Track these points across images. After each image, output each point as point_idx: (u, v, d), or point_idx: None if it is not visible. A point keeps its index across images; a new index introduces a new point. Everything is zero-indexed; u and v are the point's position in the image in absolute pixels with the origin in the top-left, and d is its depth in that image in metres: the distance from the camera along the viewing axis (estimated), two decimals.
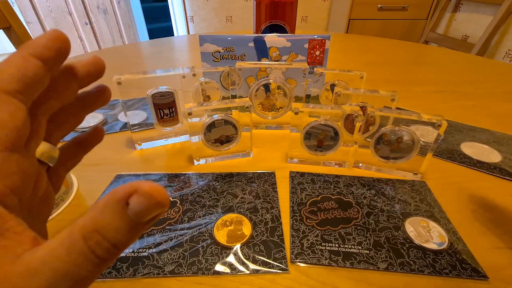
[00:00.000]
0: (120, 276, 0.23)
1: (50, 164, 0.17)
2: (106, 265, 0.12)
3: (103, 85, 0.19)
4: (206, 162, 0.38)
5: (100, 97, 0.18)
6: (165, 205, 0.12)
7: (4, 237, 0.11)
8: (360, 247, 0.26)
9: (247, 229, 0.28)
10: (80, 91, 0.17)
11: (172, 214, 0.30)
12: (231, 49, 0.46)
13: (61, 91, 0.16)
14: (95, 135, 0.20)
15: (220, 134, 0.36)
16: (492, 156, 0.39)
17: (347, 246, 0.26)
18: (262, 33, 0.57)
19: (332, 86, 0.46)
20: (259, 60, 0.47)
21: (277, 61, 0.47)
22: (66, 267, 0.11)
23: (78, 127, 0.45)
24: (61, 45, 0.14)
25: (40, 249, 0.11)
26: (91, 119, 0.47)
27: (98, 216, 0.11)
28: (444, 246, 0.26)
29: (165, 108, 0.39)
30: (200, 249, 0.26)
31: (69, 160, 0.19)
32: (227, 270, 0.24)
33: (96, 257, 0.11)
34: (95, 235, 0.11)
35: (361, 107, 0.33)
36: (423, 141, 0.33)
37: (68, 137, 0.20)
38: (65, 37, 0.14)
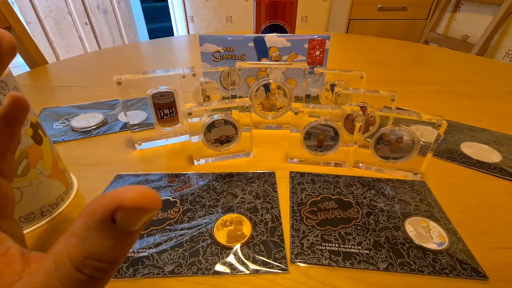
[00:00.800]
0: (120, 276, 0.23)
1: None
2: (108, 278, 0.11)
3: (14, 96, 0.16)
4: (206, 162, 0.38)
5: (18, 112, 0.16)
6: (156, 208, 0.10)
7: None
8: (360, 247, 0.26)
9: (247, 229, 0.28)
10: None
11: (172, 214, 0.30)
12: (231, 49, 0.46)
13: None
14: (15, 105, 0.16)
15: (220, 134, 0.36)
16: (492, 156, 0.39)
17: (347, 246, 0.26)
18: (262, 33, 0.57)
19: (332, 86, 0.46)
20: (259, 60, 0.47)
21: (277, 61, 0.47)
22: None
23: (78, 127, 0.45)
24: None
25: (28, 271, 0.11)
26: (91, 119, 0.47)
27: (82, 243, 0.10)
28: (444, 246, 0.26)
29: (165, 108, 0.39)
30: (200, 249, 0.26)
31: (8, 141, 0.16)
32: (227, 270, 0.24)
33: (96, 280, 0.11)
34: (89, 262, 0.10)
35: (361, 107, 0.33)
36: (423, 141, 0.33)
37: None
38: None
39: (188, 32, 2.14)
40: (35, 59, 0.79)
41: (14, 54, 0.16)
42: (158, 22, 2.93)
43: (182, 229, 0.28)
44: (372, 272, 0.24)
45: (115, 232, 0.10)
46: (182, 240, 0.27)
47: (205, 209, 0.30)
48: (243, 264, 0.24)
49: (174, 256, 0.25)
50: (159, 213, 0.29)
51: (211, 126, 0.35)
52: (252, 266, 0.24)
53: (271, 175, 0.35)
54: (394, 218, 0.29)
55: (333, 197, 0.32)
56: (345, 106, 0.34)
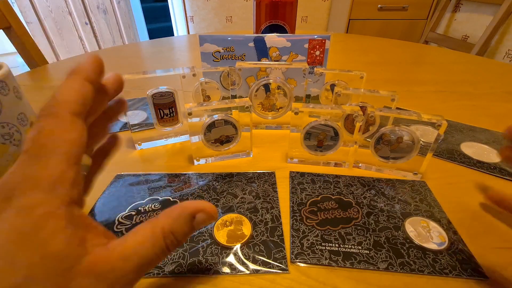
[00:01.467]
0: None
1: (85, 173, 0.20)
2: (169, 253, 0.17)
3: (122, 98, 0.22)
4: (206, 162, 0.38)
5: (120, 108, 0.22)
6: (215, 220, 0.21)
7: (88, 231, 0.15)
8: (360, 247, 0.26)
9: (247, 229, 0.28)
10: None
11: None
12: (231, 49, 0.46)
13: (97, 107, 0.19)
14: (112, 143, 0.23)
15: (220, 134, 0.36)
16: (492, 156, 0.39)
17: (347, 246, 0.26)
18: (262, 33, 0.57)
19: (332, 86, 0.46)
20: (259, 60, 0.47)
21: (277, 61, 0.47)
22: (150, 256, 0.15)
23: None
24: (101, 69, 0.17)
25: (128, 241, 0.15)
26: None
27: (174, 222, 0.16)
28: (444, 246, 0.26)
29: (165, 108, 0.39)
30: (200, 249, 0.26)
31: (96, 168, 0.22)
32: (227, 270, 0.24)
33: (167, 250, 0.16)
34: (171, 236, 0.16)
35: (361, 107, 0.33)
36: (423, 141, 0.33)
37: None
38: (101, 60, 0.17)
39: (188, 32, 2.14)
40: (35, 59, 0.79)
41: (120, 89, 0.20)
42: (158, 22, 2.93)
43: None
44: (372, 272, 0.24)
45: (191, 224, 0.17)
46: None
47: None
48: (243, 264, 0.24)
49: (174, 256, 0.25)
50: (159, 213, 0.29)
51: (211, 126, 0.35)
52: (252, 266, 0.24)
53: (271, 175, 0.35)
54: (394, 218, 0.29)
55: (333, 197, 0.32)
56: (345, 106, 0.34)
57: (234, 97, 0.45)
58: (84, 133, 0.16)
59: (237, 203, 0.31)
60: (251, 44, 0.46)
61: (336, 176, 0.35)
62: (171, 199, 0.31)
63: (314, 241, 0.27)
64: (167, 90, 0.38)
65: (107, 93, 0.19)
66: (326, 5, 2.07)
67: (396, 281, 0.23)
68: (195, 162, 0.38)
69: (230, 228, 0.28)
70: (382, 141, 0.34)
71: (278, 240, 0.27)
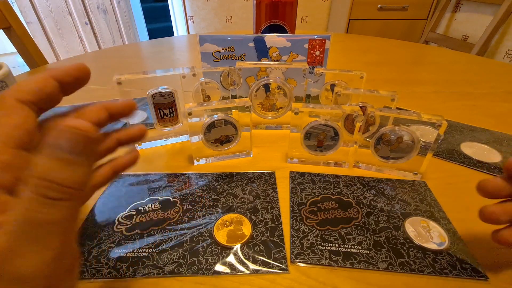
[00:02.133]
0: (120, 276, 0.23)
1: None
2: (69, 204, 0.13)
3: (135, 151, 0.23)
4: (206, 162, 0.38)
5: (131, 161, 0.22)
6: (86, 132, 0.13)
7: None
8: (360, 247, 0.26)
9: (247, 229, 0.28)
10: (113, 157, 0.22)
11: (172, 214, 0.30)
12: (231, 49, 0.46)
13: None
14: (131, 161, 0.23)
15: (220, 134, 0.36)
16: (492, 156, 0.39)
17: (347, 246, 0.26)
18: (262, 33, 0.57)
19: (332, 86, 0.46)
20: (259, 60, 0.47)
21: (277, 61, 0.47)
22: (31, 215, 0.12)
23: None
24: (80, 75, 0.18)
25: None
26: None
27: (36, 166, 0.12)
28: (444, 246, 0.26)
29: (165, 108, 0.39)
30: (200, 249, 0.26)
31: (104, 181, 0.21)
32: (227, 270, 0.24)
33: (49, 199, 0.12)
34: (40, 183, 0.12)
35: (361, 107, 0.33)
36: (423, 141, 0.33)
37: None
38: (86, 69, 0.18)
39: (188, 32, 2.14)
40: (35, 59, 0.79)
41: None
42: (158, 22, 2.93)
43: (182, 229, 0.28)
44: (372, 272, 0.24)
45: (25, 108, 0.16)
46: (182, 240, 0.27)
47: (205, 209, 0.30)
48: (243, 264, 0.24)
49: (174, 256, 0.25)
50: (159, 213, 0.29)
51: (211, 126, 0.35)
52: (252, 266, 0.24)
53: (271, 175, 0.35)
54: (394, 218, 0.29)
55: (333, 197, 0.32)
56: (345, 106, 0.34)
57: (234, 97, 0.45)
58: (29, 120, 0.16)
59: (237, 203, 0.31)
60: (251, 44, 0.46)
61: (336, 176, 0.35)
62: (171, 199, 0.31)
63: (314, 241, 0.27)
64: (167, 90, 0.38)
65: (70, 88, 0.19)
66: (326, 5, 2.07)
67: (396, 281, 0.23)
68: (195, 162, 0.38)
69: (230, 228, 0.28)
70: (382, 141, 0.34)
71: (278, 240, 0.27)
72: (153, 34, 2.65)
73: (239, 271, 0.24)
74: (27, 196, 0.12)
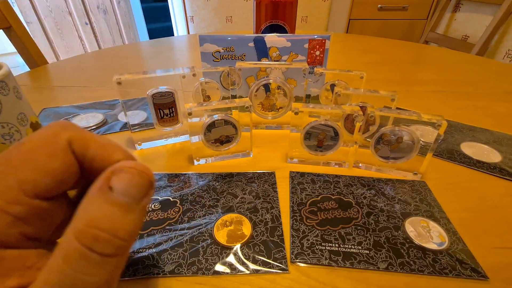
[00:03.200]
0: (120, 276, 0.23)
1: None
2: (116, 261, 0.10)
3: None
4: (206, 162, 0.38)
5: None
6: (149, 176, 0.11)
7: (24, 276, 0.10)
8: (360, 247, 0.26)
9: (247, 229, 0.28)
10: None
11: (172, 214, 0.30)
12: (231, 49, 0.46)
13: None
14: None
15: (220, 134, 0.36)
16: (492, 156, 0.39)
17: (347, 246, 0.26)
18: (262, 33, 0.57)
19: (332, 86, 0.46)
20: (259, 60, 0.47)
21: (277, 61, 0.47)
22: (69, 278, 0.09)
23: (84, 126, 0.45)
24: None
25: (41, 270, 0.10)
26: (91, 119, 0.47)
27: (85, 213, 0.10)
28: (444, 246, 0.26)
29: (165, 108, 0.39)
30: (200, 249, 0.26)
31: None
32: (227, 270, 0.24)
33: (98, 255, 0.10)
34: (89, 231, 0.10)
35: (361, 107, 0.33)
36: (423, 141, 0.33)
37: None
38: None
39: (188, 32, 2.14)
40: (35, 59, 0.79)
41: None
42: (158, 22, 2.93)
43: (182, 229, 0.28)
44: (372, 272, 0.24)
45: (112, 199, 0.10)
46: (182, 240, 0.27)
47: (205, 209, 0.30)
48: (243, 264, 0.24)
49: (174, 256, 0.25)
50: (159, 213, 0.29)
51: (211, 126, 0.35)
52: (252, 266, 0.24)
53: (271, 175, 0.35)
54: (394, 218, 0.29)
55: (333, 197, 0.32)
56: (345, 106, 0.34)
57: (234, 97, 0.45)
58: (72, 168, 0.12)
59: (237, 203, 0.31)
60: (251, 44, 0.46)
61: (336, 176, 0.35)
62: (171, 199, 0.31)
63: (314, 241, 0.27)
64: (167, 90, 0.38)
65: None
66: (326, 5, 2.07)
67: (396, 281, 0.23)
68: (195, 162, 0.38)
69: (230, 228, 0.28)
70: (382, 141, 0.34)
71: (278, 240, 0.27)
72: (153, 34, 2.65)
73: (239, 271, 0.24)
74: (65, 251, 0.10)
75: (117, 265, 0.11)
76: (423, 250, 0.26)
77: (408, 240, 0.27)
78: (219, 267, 0.24)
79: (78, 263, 0.10)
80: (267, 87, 0.43)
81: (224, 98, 0.46)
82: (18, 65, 1.89)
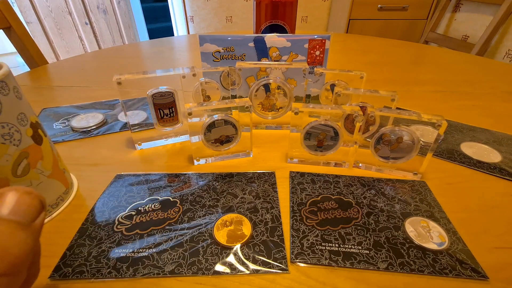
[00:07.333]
0: (120, 276, 0.23)
1: None
2: (8, 281, 0.10)
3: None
4: (206, 162, 0.38)
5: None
6: (38, 195, 0.11)
7: None
8: (360, 247, 0.26)
9: (247, 229, 0.28)
10: None
11: (172, 214, 0.30)
12: (231, 49, 0.46)
13: None
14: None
15: (220, 134, 0.36)
16: (492, 156, 0.39)
17: (347, 246, 0.26)
18: (262, 33, 0.57)
19: (332, 86, 0.46)
20: (259, 60, 0.47)
21: (277, 61, 0.47)
22: None
23: (78, 127, 0.45)
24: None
25: None
26: (91, 119, 0.47)
27: None
28: (444, 246, 0.26)
29: (165, 108, 0.39)
30: (200, 249, 0.26)
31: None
32: (227, 270, 0.24)
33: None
34: None
35: (361, 107, 0.33)
36: (423, 141, 0.33)
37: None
38: None
39: (188, 32, 2.14)
40: (35, 59, 0.79)
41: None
42: (158, 22, 2.93)
43: (182, 229, 0.28)
44: (372, 272, 0.24)
45: None
46: (182, 240, 0.27)
47: (205, 209, 0.30)
48: (243, 264, 0.24)
49: (174, 256, 0.25)
50: (159, 213, 0.29)
51: (211, 126, 0.35)
52: (252, 266, 0.24)
53: (271, 175, 0.35)
54: (394, 218, 0.29)
55: (333, 197, 0.32)
56: (345, 106, 0.34)
57: (234, 97, 0.45)
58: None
59: (237, 203, 0.31)
60: (251, 44, 0.46)
61: (336, 176, 0.35)
62: (171, 199, 0.31)
63: (314, 241, 0.27)
64: (167, 90, 0.38)
65: None
66: (326, 5, 2.07)
67: (396, 281, 0.23)
68: (195, 162, 0.38)
69: (230, 228, 0.28)
70: (382, 141, 0.34)
71: (278, 240, 0.27)
72: (153, 34, 2.65)
73: (239, 271, 0.24)
74: None
75: (8, 285, 0.10)
76: (423, 250, 0.26)
77: (408, 240, 0.27)
78: (219, 267, 0.24)
79: None
80: (267, 87, 0.43)
81: (224, 98, 0.46)
82: (18, 65, 1.89)
